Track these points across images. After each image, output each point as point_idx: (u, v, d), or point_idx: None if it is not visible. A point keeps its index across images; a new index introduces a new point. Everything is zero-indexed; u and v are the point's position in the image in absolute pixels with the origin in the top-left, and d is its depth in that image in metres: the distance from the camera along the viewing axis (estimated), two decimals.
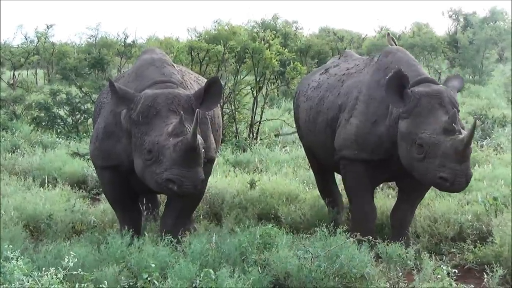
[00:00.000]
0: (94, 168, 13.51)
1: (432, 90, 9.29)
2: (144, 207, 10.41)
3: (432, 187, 9.88)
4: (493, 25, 41.95)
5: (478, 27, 41.50)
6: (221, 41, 19.67)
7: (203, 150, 8.59)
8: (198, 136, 8.46)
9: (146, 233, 9.18)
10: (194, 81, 10.40)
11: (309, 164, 12.80)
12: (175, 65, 10.24)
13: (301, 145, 17.75)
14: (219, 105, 11.00)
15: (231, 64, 20.25)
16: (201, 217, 11.21)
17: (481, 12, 46.90)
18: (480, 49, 38.87)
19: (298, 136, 12.92)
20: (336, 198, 11.67)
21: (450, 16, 47.51)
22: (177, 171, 8.33)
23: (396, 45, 12.25)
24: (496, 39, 38.63)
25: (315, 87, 11.35)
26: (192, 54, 19.31)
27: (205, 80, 9.87)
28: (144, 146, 8.61)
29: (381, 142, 9.69)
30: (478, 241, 9.88)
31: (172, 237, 8.74)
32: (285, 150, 17.28)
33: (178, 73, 9.75)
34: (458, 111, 9.28)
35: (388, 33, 12.62)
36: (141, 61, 9.92)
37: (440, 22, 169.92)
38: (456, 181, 8.76)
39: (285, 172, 14.22)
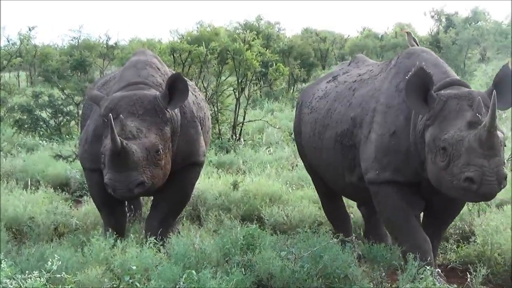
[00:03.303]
0: (77, 170, 13.57)
1: (461, 92, 7.87)
2: (127, 208, 10.41)
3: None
4: (475, 25, 42.11)
5: (460, 27, 41.66)
6: (203, 42, 19.67)
7: (157, 152, 8.63)
8: (148, 139, 8.51)
9: (131, 235, 9.17)
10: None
11: (313, 185, 11.23)
12: (165, 68, 10.22)
13: (284, 146, 18.00)
14: (207, 106, 11.01)
15: (213, 66, 20.24)
16: (184, 219, 11.18)
17: (463, 12, 47.27)
18: (462, 49, 39.00)
19: (299, 154, 11.43)
20: (346, 224, 10.61)
21: (432, 17, 47.68)
22: (111, 175, 8.39)
23: (418, 45, 10.55)
24: (478, 39, 38.77)
25: (321, 97, 10.02)
26: (174, 55, 19.30)
27: (195, 87, 9.89)
28: (101, 149, 8.65)
29: (406, 159, 8.24)
30: (461, 240, 9.96)
31: (156, 239, 8.74)
32: (268, 151, 17.29)
33: (160, 76, 9.72)
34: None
35: (409, 32, 11.14)
36: (127, 63, 9.96)
37: (423, 22, 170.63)
38: (484, 180, 7.18)
39: (268, 173, 14.23)
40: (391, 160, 8.34)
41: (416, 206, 8.54)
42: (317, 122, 9.75)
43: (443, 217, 8.91)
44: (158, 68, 9.83)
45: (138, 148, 8.41)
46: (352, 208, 11.46)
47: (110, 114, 8.34)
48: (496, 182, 7.19)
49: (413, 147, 8.14)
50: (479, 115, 7.40)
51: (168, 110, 8.99)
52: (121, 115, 8.52)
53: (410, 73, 8.07)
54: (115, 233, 9.16)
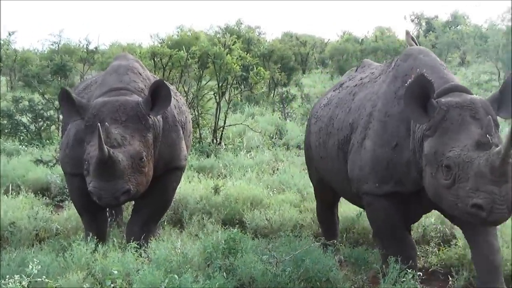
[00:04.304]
0: (57, 175, 13.51)
1: (463, 100, 7.36)
2: (108, 213, 10.39)
3: None
4: (455, 29, 42.41)
5: (440, 31, 41.95)
6: (184, 46, 19.66)
7: (141, 159, 8.62)
8: (132, 146, 8.51)
9: (113, 239, 9.16)
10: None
11: (314, 191, 10.97)
12: (147, 73, 10.21)
13: (266, 149, 18.02)
14: (188, 110, 11.01)
15: (194, 70, 20.23)
16: (165, 223, 11.16)
17: (443, 16, 47.59)
18: (442, 52, 39.35)
19: (307, 166, 11.10)
20: (334, 227, 10.59)
21: (412, 20, 48.08)
22: (96, 183, 8.34)
23: (417, 45, 10.01)
24: (458, 43, 39.03)
25: (325, 105, 9.75)
26: (155, 59, 19.27)
27: (176, 92, 9.87)
28: (84, 156, 8.63)
29: (408, 170, 7.87)
30: (442, 244, 9.99)
31: (138, 243, 8.73)
32: (249, 155, 17.30)
33: (142, 81, 9.71)
34: (498, 125, 7.33)
35: (408, 32, 10.37)
36: (109, 68, 9.89)
37: (403, 26, 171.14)
38: (495, 208, 6.73)
39: (249, 177, 14.23)
40: (393, 173, 8.00)
41: (409, 218, 8.43)
42: (321, 131, 9.50)
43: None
44: (139, 73, 9.81)
45: (123, 156, 8.41)
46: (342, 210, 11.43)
47: (99, 123, 8.32)
48: (506, 209, 6.76)
49: (412, 156, 7.80)
50: (489, 136, 6.94)
51: (150, 116, 8.99)
52: (106, 123, 8.48)
53: (407, 77, 7.94)
54: (96, 238, 9.15)
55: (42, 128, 20.98)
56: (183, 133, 9.96)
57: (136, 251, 8.50)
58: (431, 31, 44.11)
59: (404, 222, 8.35)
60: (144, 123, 8.88)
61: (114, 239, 9.16)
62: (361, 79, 9.33)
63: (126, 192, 8.42)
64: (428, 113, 7.35)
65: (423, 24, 47.71)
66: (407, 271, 7.80)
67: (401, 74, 8.29)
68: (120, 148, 8.44)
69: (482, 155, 6.80)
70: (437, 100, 7.40)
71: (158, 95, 9.02)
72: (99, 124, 8.23)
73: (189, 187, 12.63)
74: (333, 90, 10.02)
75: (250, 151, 18.04)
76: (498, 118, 7.44)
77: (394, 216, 8.18)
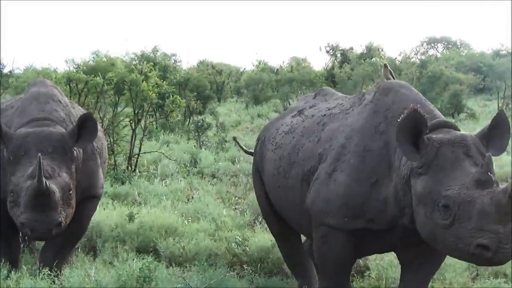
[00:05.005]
0: None
1: (454, 136, 7.09)
2: (20, 239, 10.24)
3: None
4: (370, 61, 43.13)
5: (355, 63, 42.62)
6: (100, 72, 19.54)
7: (69, 192, 8.55)
8: (62, 178, 8.45)
9: (24, 266, 9.03)
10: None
11: (268, 226, 10.42)
12: (65, 99, 10.10)
13: (180, 178, 18.00)
14: (104, 137, 10.95)
15: (109, 96, 20.12)
16: (78, 250, 11.04)
17: (358, 48, 48.31)
18: (357, 84, 39.91)
19: (256, 196, 10.53)
20: (308, 270, 9.78)
21: (328, 52, 48.69)
22: (29, 215, 8.22)
23: (394, 78, 9.84)
24: (373, 75, 39.71)
25: (286, 132, 9.27)
26: (71, 85, 19.10)
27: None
28: (9, 186, 8.51)
29: (385, 208, 7.51)
30: (355, 275, 10.07)
31: (51, 270, 8.62)
32: (164, 183, 17.26)
33: (63, 109, 9.62)
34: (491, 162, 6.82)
35: (386, 65, 10.23)
36: (27, 95, 9.74)
37: (318, 57, 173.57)
38: (500, 248, 6.38)
39: (164, 205, 14.18)
40: (367, 210, 7.58)
41: (363, 254, 8.31)
42: (282, 159, 9.00)
43: (425, 268, 8.11)
44: (59, 101, 9.72)
45: (56, 187, 8.32)
46: None
47: (40, 154, 8.19)
48: (510, 249, 6.41)
49: (393, 193, 7.40)
50: (491, 174, 6.59)
51: (75, 148, 8.93)
52: (39, 154, 8.28)
53: (388, 111, 7.78)
54: (9, 263, 9.01)
55: None
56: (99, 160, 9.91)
57: (49, 277, 8.40)
58: (346, 63, 44.77)
59: (355, 258, 8.22)
60: (69, 155, 8.82)
61: (23, 266, 9.04)
62: (329, 109, 8.94)
63: (59, 225, 8.35)
64: (420, 150, 7.00)
65: (338, 55, 48.39)
66: None
67: (382, 109, 7.93)
68: (52, 179, 8.35)
69: (485, 194, 6.45)
70: (428, 136, 7.07)
71: (84, 128, 8.97)
72: (40, 155, 8.12)
73: (104, 214, 12.53)
74: (292, 116, 9.59)
75: (164, 179, 17.98)
76: None
77: (348, 252, 7.88)
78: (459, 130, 7.38)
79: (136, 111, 19.98)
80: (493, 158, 6.70)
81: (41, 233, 8.27)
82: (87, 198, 9.61)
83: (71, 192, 8.62)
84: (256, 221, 13.00)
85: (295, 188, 8.57)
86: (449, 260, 8.99)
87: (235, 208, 14.46)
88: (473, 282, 9.82)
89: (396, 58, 47.77)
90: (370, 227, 7.59)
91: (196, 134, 24.79)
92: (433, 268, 8.19)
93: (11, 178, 8.57)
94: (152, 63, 23.68)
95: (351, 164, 7.73)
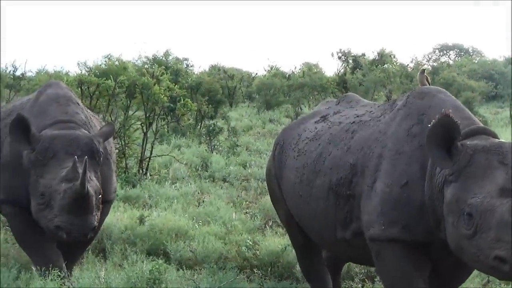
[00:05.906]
0: None
1: (490, 143, 6.62)
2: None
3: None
4: (382, 67, 43.05)
5: (367, 69, 42.54)
6: (111, 76, 19.58)
7: (100, 195, 8.55)
8: (94, 182, 8.44)
9: (37, 267, 9.02)
10: (96, 119, 10.32)
11: (291, 237, 9.75)
12: (78, 101, 10.08)
13: (191, 182, 18.00)
14: (112, 140, 10.94)
15: (121, 99, 20.15)
16: (89, 252, 11.05)
17: (370, 54, 48.22)
18: (369, 90, 39.81)
19: (271, 202, 10.13)
20: (326, 283, 9.23)
21: (340, 57, 48.63)
22: (66, 218, 8.19)
23: (430, 84, 9.61)
24: (384, 81, 39.65)
25: (310, 139, 8.77)
26: (82, 88, 19.14)
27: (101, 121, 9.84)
28: (38, 189, 8.48)
29: (418, 216, 7.03)
30: (366, 280, 10.07)
31: (61, 271, 8.61)
32: (174, 187, 17.26)
33: (82, 112, 9.61)
34: None
35: (423, 70, 10.13)
36: (45, 96, 9.64)
37: (330, 62, 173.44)
38: None
39: (174, 208, 14.19)
40: (401, 215, 7.12)
41: (424, 269, 7.27)
42: (305, 167, 8.48)
43: (452, 283, 7.78)
44: (78, 103, 9.74)
45: (92, 191, 8.32)
46: None
47: (86, 157, 8.24)
48: None
49: (428, 202, 6.95)
50: None
51: (102, 152, 8.99)
52: (75, 157, 8.34)
53: (423, 116, 7.38)
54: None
55: None
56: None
57: (59, 278, 8.40)
58: (358, 69, 44.69)
59: (421, 275, 7.27)
60: (97, 160, 8.83)
61: (37, 267, 9.04)
62: (357, 116, 8.46)
63: (93, 229, 8.38)
64: (452, 157, 6.56)
65: (350, 61, 48.32)
66: None
67: (415, 112, 7.56)
68: (88, 183, 8.29)
69: (505, 203, 6.07)
70: (462, 143, 6.64)
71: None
72: (86, 158, 8.18)
73: (114, 217, 12.54)
74: (315, 122, 9.08)
75: (175, 182, 17.99)
76: None
77: (406, 265, 7.22)
78: (498, 138, 6.93)
79: (147, 115, 20.02)
80: None
81: (76, 237, 8.26)
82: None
83: (100, 196, 8.63)
84: (266, 225, 13.02)
85: (319, 198, 8.12)
86: None
87: (246, 212, 14.44)
88: None
89: (408, 64, 47.64)
90: (405, 237, 7.09)
91: (208, 138, 24.79)
92: (463, 278, 7.85)
93: (39, 180, 8.53)
94: (164, 67, 23.72)
95: (385, 171, 7.36)
